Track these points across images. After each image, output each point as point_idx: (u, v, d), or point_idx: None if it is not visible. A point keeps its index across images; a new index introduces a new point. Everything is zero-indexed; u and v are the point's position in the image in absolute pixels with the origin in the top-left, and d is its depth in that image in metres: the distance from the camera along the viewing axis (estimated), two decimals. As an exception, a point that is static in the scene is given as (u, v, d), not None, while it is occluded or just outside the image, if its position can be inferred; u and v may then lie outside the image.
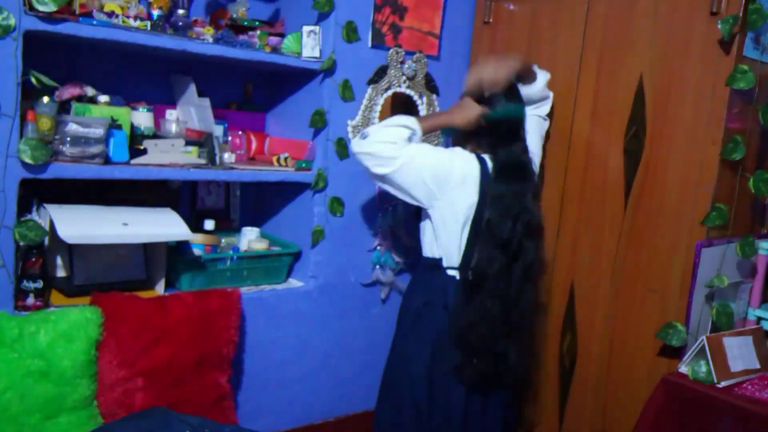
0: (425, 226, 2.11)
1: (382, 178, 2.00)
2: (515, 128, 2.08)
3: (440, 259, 2.06)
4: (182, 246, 2.24)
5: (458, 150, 2.07)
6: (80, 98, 2.01)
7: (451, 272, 2.06)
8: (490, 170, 2.02)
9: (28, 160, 1.81)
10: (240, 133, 2.52)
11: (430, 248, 2.10)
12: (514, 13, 2.63)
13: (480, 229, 1.99)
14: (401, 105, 2.62)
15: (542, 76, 2.25)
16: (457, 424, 2.03)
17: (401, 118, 2.03)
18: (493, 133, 2.06)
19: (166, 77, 2.43)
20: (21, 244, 1.88)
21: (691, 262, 2.05)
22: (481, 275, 1.98)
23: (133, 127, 2.08)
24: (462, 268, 2.03)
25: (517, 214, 1.99)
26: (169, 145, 2.12)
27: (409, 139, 2.00)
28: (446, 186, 1.98)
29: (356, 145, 2.01)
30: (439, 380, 2.03)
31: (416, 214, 2.18)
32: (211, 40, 2.16)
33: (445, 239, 2.03)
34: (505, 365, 2.03)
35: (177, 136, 2.18)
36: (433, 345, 2.03)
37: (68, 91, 1.98)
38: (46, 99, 1.89)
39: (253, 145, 2.55)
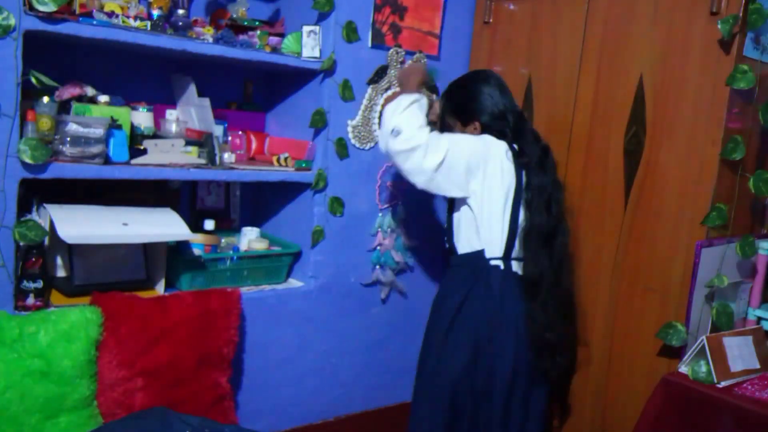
0: (461, 220, 2.08)
1: (437, 168, 1.94)
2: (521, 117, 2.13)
3: (482, 251, 2.04)
4: (182, 246, 2.24)
5: (485, 135, 2.07)
6: (80, 98, 2.01)
7: (494, 262, 2.04)
8: (512, 155, 2.05)
9: (28, 160, 1.81)
10: (240, 133, 2.52)
11: (468, 243, 2.07)
12: (514, 13, 2.63)
13: (518, 219, 2.03)
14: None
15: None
16: (498, 417, 2.02)
17: (403, 99, 2.01)
18: (505, 120, 2.09)
19: (166, 77, 2.43)
20: (21, 244, 1.88)
21: (691, 262, 2.05)
22: (540, 273, 2.01)
23: (133, 127, 2.08)
24: (505, 257, 2.04)
25: (550, 206, 2.03)
26: (169, 145, 2.12)
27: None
28: (486, 169, 1.99)
29: (396, 146, 1.95)
30: (483, 372, 2.01)
31: (448, 211, 2.16)
32: (211, 40, 2.16)
33: (487, 229, 2.02)
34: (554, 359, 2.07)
35: (177, 136, 2.18)
36: (475, 336, 2.01)
37: (68, 91, 1.98)
38: (46, 99, 1.89)
39: (253, 145, 2.55)
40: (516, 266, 2.07)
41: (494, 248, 2.04)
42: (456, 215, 2.12)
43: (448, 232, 2.17)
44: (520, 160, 2.05)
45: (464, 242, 2.09)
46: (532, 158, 2.05)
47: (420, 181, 1.99)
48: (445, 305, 2.09)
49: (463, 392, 2.02)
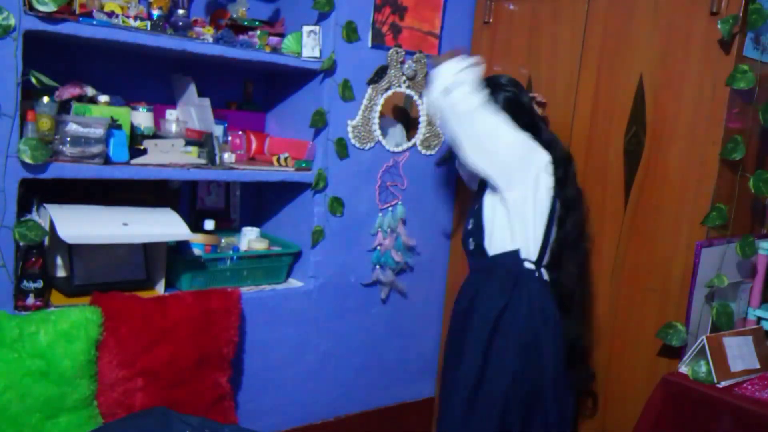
0: (496, 217, 2.04)
1: (474, 110, 1.95)
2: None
3: (517, 251, 2.02)
4: (182, 246, 2.24)
5: (531, 141, 2.07)
6: (80, 98, 2.01)
7: (528, 265, 2.03)
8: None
9: (28, 160, 1.81)
10: (240, 133, 2.52)
11: (501, 243, 2.03)
12: (514, 13, 2.63)
13: (551, 230, 2.04)
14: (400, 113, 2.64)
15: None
16: (555, 421, 2.00)
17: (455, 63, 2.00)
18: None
19: (166, 77, 2.43)
20: (21, 244, 1.88)
21: (691, 262, 2.05)
22: (574, 284, 2.05)
23: (133, 127, 2.08)
24: (539, 262, 2.03)
25: (577, 217, 2.09)
26: (169, 145, 2.12)
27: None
28: (531, 165, 1.99)
29: (438, 92, 1.97)
30: (531, 379, 1.99)
31: (476, 211, 2.13)
32: (211, 40, 2.16)
33: (522, 227, 2.00)
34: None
35: (177, 136, 2.18)
36: (521, 342, 1.97)
37: (68, 91, 1.98)
38: (46, 99, 1.89)
39: (253, 145, 2.55)
40: (545, 274, 2.07)
41: (528, 250, 2.02)
42: (488, 215, 2.07)
43: (476, 233, 2.12)
44: (556, 172, 2.06)
45: (497, 243, 2.05)
46: (566, 172, 2.08)
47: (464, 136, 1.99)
48: (484, 309, 2.02)
49: (514, 398, 1.97)
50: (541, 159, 2.04)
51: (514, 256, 2.03)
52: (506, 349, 1.98)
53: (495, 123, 1.98)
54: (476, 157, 2.00)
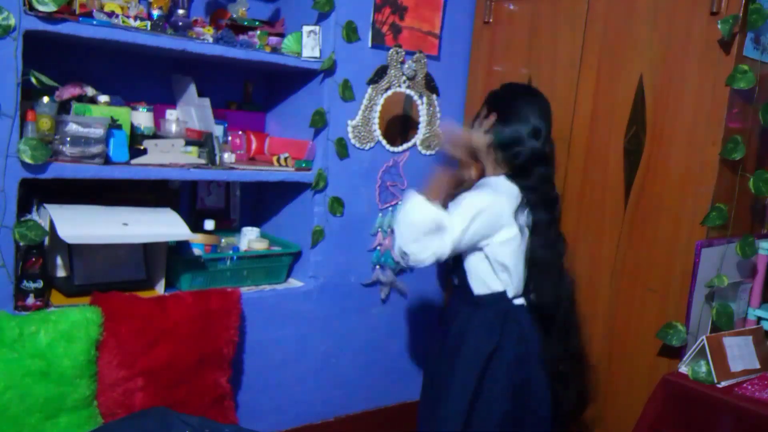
0: (477, 265, 1.97)
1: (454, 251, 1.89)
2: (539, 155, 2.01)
3: (504, 293, 1.97)
4: (182, 246, 2.24)
5: (495, 183, 1.97)
6: (80, 98, 2.01)
7: (517, 301, 1.99)
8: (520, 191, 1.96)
9: (28, 160, 1.81)
10: (240, 133, 2.52)
11: (485, 285, 1.97)
12: (514, 13, 2.63)
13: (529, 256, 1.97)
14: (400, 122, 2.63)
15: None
16: None
17: (422, 211, 1.88)
18: (515, 158, 1.98)
19: (166, 77, 2.43)
20: (21, 244, 1.88)
21: (691, 262, 2.05)
22: (551, 307, 1.99)
23: (133, 127, 2.08)
24: (526, 294, 2.00)
25: (555, 241, 2.01)
26: (169, 145, 2.12)
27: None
28: (502, 223, 1.91)
29: (409, 263, 1.89)
30: (527, 411, 1.97)
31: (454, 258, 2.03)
32: (211, 40, 2.16)
33: (506, 273, 1.95)
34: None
35: (177, 136, 2.18)
36: (512, 382, 1.94)
37: (68, 91, 1.98)
38: (46, 99, 1.89)
39: (253, 145, 2.55)
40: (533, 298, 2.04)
41: (515, 288, 1.98)
42: (468, 259, 1.99)
43: (457, 270, 2.05)
44: (527, 198, 1.96)
45: (480, 283, 1.99)
46: (544, 196, 1.99)
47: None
48: (473, 347, 1.96)
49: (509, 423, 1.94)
50: (508, 209, 1.93)
51: (502, 297, 1.97)
52: (498, 391, 1.93)
53: (473, 231, 1.90)
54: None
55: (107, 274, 2.11)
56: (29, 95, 1.88)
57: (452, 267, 2.08)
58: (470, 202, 1.92)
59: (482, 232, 1.90)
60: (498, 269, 1.95)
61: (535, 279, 1.99)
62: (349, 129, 2.47)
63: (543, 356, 1.97)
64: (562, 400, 2.04)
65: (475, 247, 1.94)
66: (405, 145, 2.63)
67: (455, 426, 1.93)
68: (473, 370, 1.94)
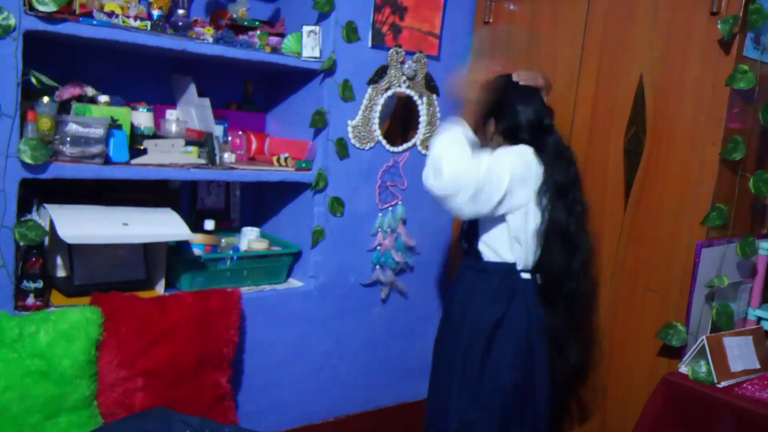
0: (499, 232, 1.99)
1: (478, 196, 1.87)
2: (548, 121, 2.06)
3: (514, 265, 2.00)
4: (182, 246, 2.24)
5: (519, 149, 1.98)
6: (80, 98, 2.01)
7: (525, 275, 2.01)
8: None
9: (28, 160, 1.81)
10: (240, 133, 2.52)
11: (495, 253, 2.00)
12: (514, 13, 2.63)
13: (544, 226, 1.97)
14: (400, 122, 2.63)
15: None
16: (543, 422, 2.02)
17: (451, 131, 1.93)
18: (529, 128, 2.02)
19: (166, 77, 2.43)
20: (21, 244, 1.88)
21: (691, 262, 2.05)
22: (559, 276, 1.99)
23: (133, 127, 2.08)
24: (534, 269, 2.01)
25: (572, 206, 1.99)
26: (169, 145, 2.12)
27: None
28: (530, 186, 1.94)
29: (436, 183, 1.87)
30: (531, 380, 1.99)
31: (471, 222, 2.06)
32: (211, 40, 2.16)
33: (524, 242, 1.97)
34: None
35: (177, 136, 2.18)
36: (517, 350, 1.96)
37: (68, 91, 1.98)
38: (46, 99, 1.89)
39: (253, 145, 2.55)
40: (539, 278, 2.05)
41: (526, 261, 2.00)
42: (485, 226, 2.02)
43: (468, 233, 2.08)
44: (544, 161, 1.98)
45: (490, 251, 2.02)
46: (552, 154, 2.00)
47: (472, 210, 1.91)
48: (481, 313, 1.98)
49: (513, 400, 1.97)
50: (536, 164, 1.97)
51: (511, 269, 2.00)
52: (505, 358, 1.96)
53: (500, 179, 1.90)
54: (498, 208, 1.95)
55: (107, 274, 2.11)
56: (29, 95, 1.88)
57: (466, 231, 2.10)
58: (504, 151, 1.95)
59: (520, 175, 1.91)
60: (513, 241, 1.97)
61: (547, 245, 1.99)
62: (349, 129, 2.47)
63: (545, 327, 2.00)
64: (558, 370, 2.05)
65: (497, 215, 1.94)
66: (405, 145, 2.63)
67: (465, 400, 1.97)
68: (483, 334, 1.96)
